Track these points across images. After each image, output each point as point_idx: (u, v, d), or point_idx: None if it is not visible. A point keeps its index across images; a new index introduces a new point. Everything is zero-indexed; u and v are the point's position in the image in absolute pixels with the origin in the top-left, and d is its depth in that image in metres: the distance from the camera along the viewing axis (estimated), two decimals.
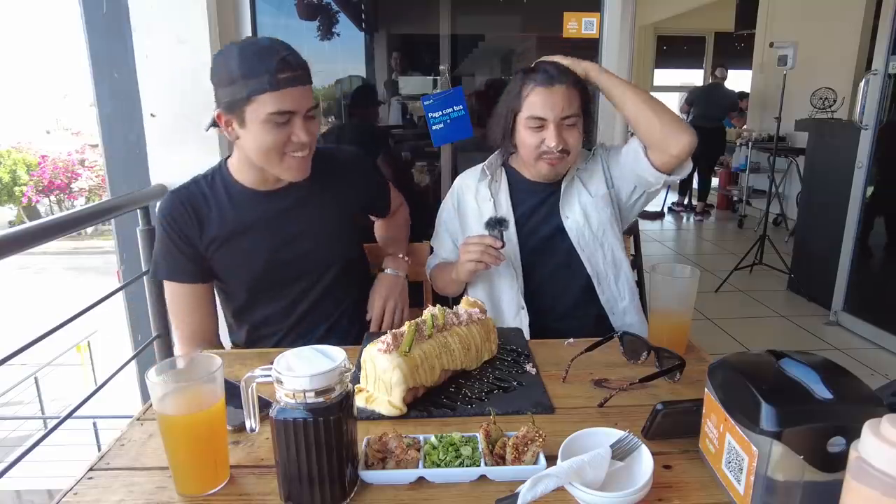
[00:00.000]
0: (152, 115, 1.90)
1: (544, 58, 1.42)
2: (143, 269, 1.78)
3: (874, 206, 3.47)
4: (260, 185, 1.32)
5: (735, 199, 6.99)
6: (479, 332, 1.08)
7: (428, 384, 0.97)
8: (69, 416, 1.42)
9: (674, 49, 9.60)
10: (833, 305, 3.66)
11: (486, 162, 1.52)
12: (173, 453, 0.77)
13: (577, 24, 2.17)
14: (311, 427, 0.70)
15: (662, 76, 9.55)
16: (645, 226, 6.42)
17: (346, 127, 2.58)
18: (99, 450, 0.89)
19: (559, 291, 1.50)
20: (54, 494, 0.77)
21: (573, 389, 1.02)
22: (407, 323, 0.99)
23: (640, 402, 0.96)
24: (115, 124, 2.03)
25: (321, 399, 0.70)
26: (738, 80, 7.26)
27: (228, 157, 1.34)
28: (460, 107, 1.81)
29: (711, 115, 6.51)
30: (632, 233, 1.80)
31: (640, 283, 1.77)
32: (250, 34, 2.09)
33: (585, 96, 1.39)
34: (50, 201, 11.46)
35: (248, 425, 0.78)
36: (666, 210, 7.24)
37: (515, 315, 1.47)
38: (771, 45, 4.45)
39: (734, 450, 0.71)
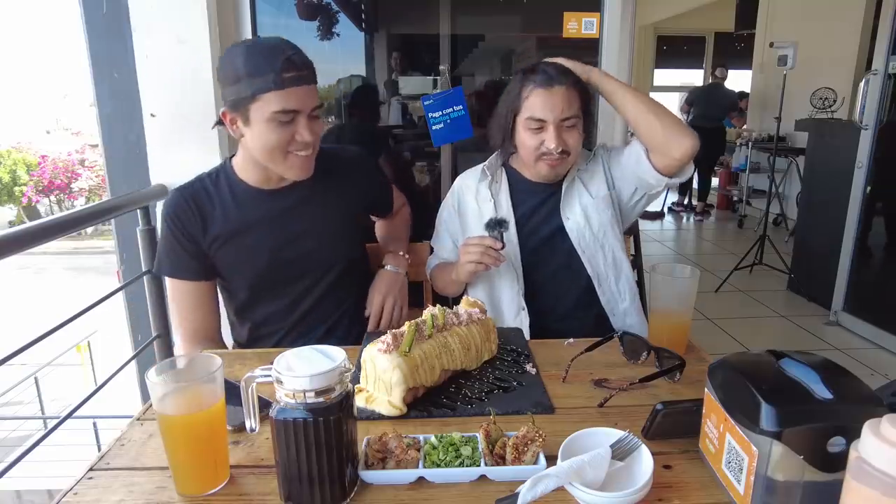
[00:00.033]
0: (152, 115, 1.90)
1: (546, 59, 1.42)
2: (144, 269, 1.78)
3: (874, 206, 3.47)
4: (264, 183, 1.33)
5: (735, 199, 6.99)
6: (479, 332, 1.08)
7: (428, 384, 0.97)
8: (69, 416, 1.42)
9: (674, 49, 9.60)
10: (833, 305, 3.66)
11: (486, 162, 1.52)
12: (173, 453, 0.77)
13: (577, 24, 2.17)
14: (311, 427, 0.70)
15: (662, 76, 9.55)
16: (645, 226, 6.42)
17: (345, 127, 2.57)
18: (99, 450, 0.89)
19: (559, 292, 1.50)
20: (54, 494, 0.77)
21: (573, 389, 1.02)
22: (407, 323, 0.99)
23: (640, 402, 0.96)
24: (115, 124, 2.03)
25: (321, 399, 0.70)
26: (738, 80, 7.26)
27: (233, 155, 1.35)
28: (460, 107, 1.81)
29: (711, 115, 6.51)
30: (632, 233, 1.80)
31: (640, 283, 1.77)
32: (250, 34, 2.09)
33: (585, 97, 1.39)
34: (50, 201, 11.46)
35: (248, 425, 0.78)
36: (666, 210, 7.24)
37: (516, 316, 1.47)
38: (771, 45, 4.45)
39: (734, 450, 0.71)
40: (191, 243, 1.29)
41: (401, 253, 1.52)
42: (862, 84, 3.36)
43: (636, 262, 1.82)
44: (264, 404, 0.87)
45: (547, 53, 2.38)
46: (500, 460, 0.79)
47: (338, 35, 2.44)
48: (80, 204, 11.02)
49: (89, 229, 8.37)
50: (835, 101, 4.85)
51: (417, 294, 1.64)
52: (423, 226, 1.71)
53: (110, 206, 1.74)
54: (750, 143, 5.94)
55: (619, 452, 0.77)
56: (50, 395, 5.93)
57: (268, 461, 0.82)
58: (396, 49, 2.54)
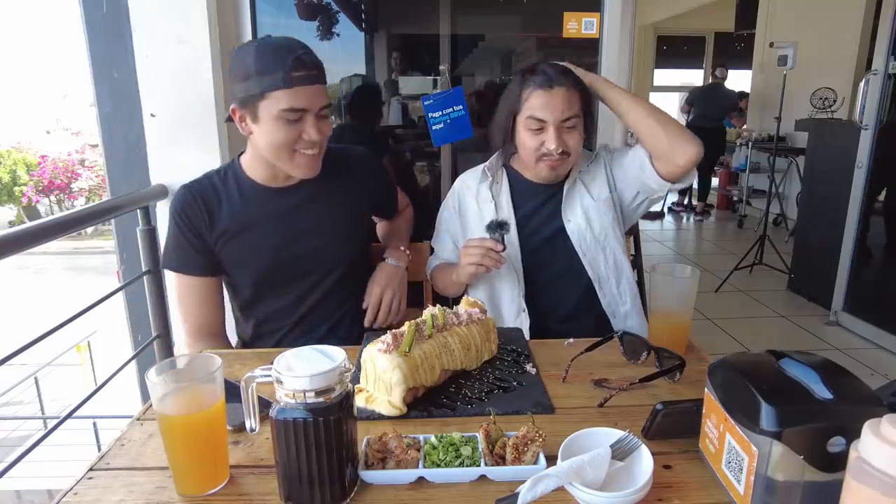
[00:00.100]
0: (152, 115, 1.90)
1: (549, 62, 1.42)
2: (144, 269, 1.78)
3: (874, 205, 3.47)
4: (271, 181, 1.34)
5: (735, 199, 6.99)
6: (479, 332, 1.08)
7: (428, 384, 0.97)
8: (69, 416, 1.42)
9: (674, 49, 9.59)
10: (833, 305, 3.66)
11: (486, 163, 1.52)
12: (173, 453, 0.77)
13: (577, 24, 2.17)
14: (311, 427, 0.70)
15: (662, 76, 9.55)
16: (645, 226, 6.42)
17: (345, 127, 2.57)
18: (99, 450, 0.89)
19: (560, 294, 1.49)
20: (54, 494, 0.77)
21: (573, 389, 1.02)
22: (407, 323, 0.99)
23: (640, 402, 0.96)
24: (115, 124, 2.03)
25: (321, 399, 0.70)
26: (738, 80, 7.26)
27: (242, 153, 1.36)
28: (460, 107, 1.81)
29: (711, 115, 6.52)
30: (632, 233, 1.80)
31: (640, 284, 1.77)
32: (250, 34, 2.09)
33: (586, 97, 1.38)
34: (50, 201, 11.46)
35: (248, 425, 0.78)
36: (666, 210, 7.24)
37: (516, 317, 1.47)
38: (771, 45, 4.44)
39: (734, 450, 0.71)
40: (197, 239, 1.30)
41: (401, 248, 1.52)
42: (862, 84, 3.36)
43: (636, 263, 1.81)
44: (264, 404, 0.87)
45: (547, 53, 2.39)
46: (500, 460, 0.79)
47: (338, 35, 2.44)
48: (80, 204, 11.02)
49: (89, 229, 8.37)
50: (835, 101, 4.85)
51: (417, 294, 1.64)
52: (423, 226, 1.71)
53: (110, 206, 1.74)
54: (750, 143, 5.94)
55: (619, 452, 0.77)
56: (50, 395, 5.93)
57: (268, 461, 0.82)
58: (396, 49, 2.53)
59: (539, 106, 1.34)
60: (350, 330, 1.43)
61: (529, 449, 0.78)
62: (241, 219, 1.32)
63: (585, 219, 1.45)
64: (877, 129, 3.32)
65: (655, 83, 9.38)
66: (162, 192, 1.89)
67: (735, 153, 6.96)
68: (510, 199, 1.49)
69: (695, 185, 6.88)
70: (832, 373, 0.71)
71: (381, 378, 0.93)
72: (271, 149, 1.23)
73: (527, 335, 1.32)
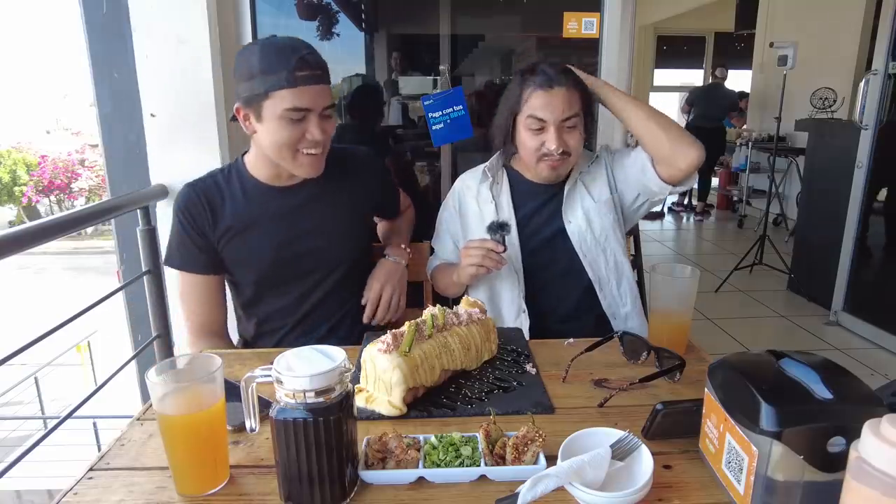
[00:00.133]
0: (152, 115, 1.90)
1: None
2: (144, 269, 1.78)
3: (874, 205, 3.47)
4: (274, 180, 1.34)
5: (735, 199, 6.99)
6: (479, 332, 1.08)
7: (428, 384, 0.97)
8: (69, 416, 1.42)
9: (674, 49, 9.59)
10: (833, 305, 3.66)
11: (487, 163, 1.52)
12: (173, 453, 0.77)
13: (577, 24, 2.17)
14: (311, 427, 0.70)
15: (662, 76, 9.55)
16: (645, 226, 6.42)
17: (346, 127, 2.57)
18: (99, 450, 0.89)
19: (560, 295, 1.49)
20: (54, 494, 0.77)
21: (573, 389, 1.02)
22: (407, 323, 0.99)
23: (640, 402, 0.96)
24: (115, 124, 2.03)
25: (321, 399, 0.70)
26: (738, 80, 7.26)
27: (246, 152, 1.37)
28: (460, 107, 1.81)
29: (711, 115, 6.52)
30: (632, 233, 1.80)
31: (640, 283, 1.77)
32: (250, 34, 2.09)
33: (586, 97, 1.38)
34: (50, 201, 11.46)
35: (248, 425, 0.78)
36: (666, 210, 7.24)
37: (516, 317, 1.47)
38: (771, 45, 4.44)
39: (734, 450, 0.71)
40: (200, 237, 1.31)
41: (402, 246, 1.52)
42: (862, 84, 3.36)
43: (636, 262, 1.81)
44: (264, 404, 0.87)
45: (547, 53, 2.38)
46: (500, 460, 0.79)
47: (338, 35, 2.44)
48: (80, 204, 11.02)
49: (89, 229, 8.37)
50: (835, 101, 4.85)
51: (417, 294, 1.64)
52: (422, 226, 1.71)
53: (110, 206, 1.74)
54: (750, 143, 5.94)
55: (619, 452, 0.77)
56: (50, 395, 5.93)
57: (268, 461, 0.82)
58: (396, 49, 2.53)
59: (539, 106, 1.34)
60: (351, 330, 1.43)
61: (529, 449, 0.78)
62: (243, 217, 1.32)
63: (586, 220, 1.45)
64: (877, 129, 3.32)
65: (655, 83, 9.38)
66: (162, 192, 1.89)
67: (735, 153, 6.96)
68: (510, 199, 1.49)
69: (695, 186, 6.86)
70: (832, 373, 0.71)
71: (381, 378, 0.93)
72: (275, 148, 1.24)
73: (527, 336, 1.32)
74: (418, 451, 0.80)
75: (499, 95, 1.46)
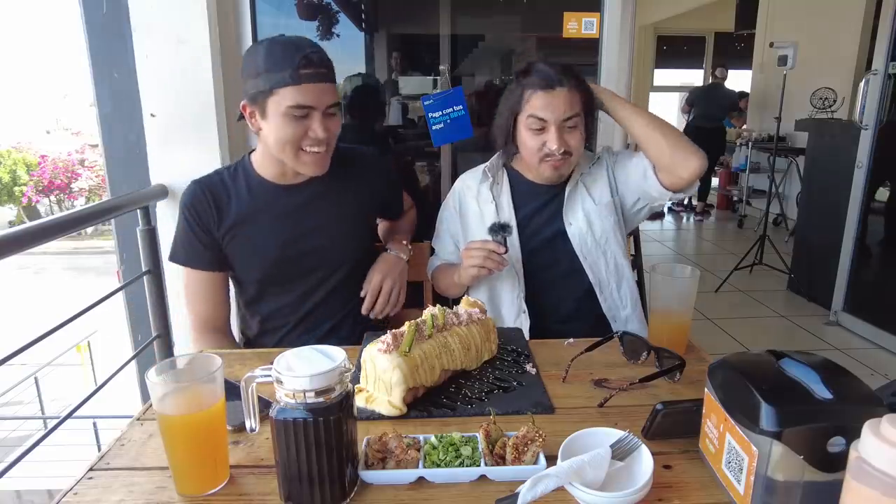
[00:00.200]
0: (152, 115, 1.90)
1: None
2: (144, 269, 1.78)
3: (874, 205, 3.47)
4: (280, 178, 1.35)
5: (735, 199, 7.00)
6: (479, 332, 1.08)
7: (428, 384, 0.97)
8: (69, 416, 1.42)
9: (674, 49, 9.59)
10: (833, 305, 3.66)
11: (487, 163, 1.52)
12: (173, 453, 0.77)
13: (577, 24, 2.17)
14: (311, 427, 0.70)
15: (662, 76, 9.54)
16: (645, 226, 6.41)
17: (346, 127, 2.57)
18: (99, 450, 0.89)
19: (560, 296, 1.49)
20: (54, 494, 0.77)
21: (573, 389, 1.02)
22: (407, 323, 0.99)
23: (640, 402, 0.96)
24: (115, 124, 2.02)
25: (321, 399, 0.70)
26: (738, 80, 7.26)
27: (253, 150, 1.38)
28: (460, 107, 1.81)
29: (711, 115, 6.52)
30: (632, 233, 1.80)
31: (640, 283, 1.77)
32: (250, 34, 2.09)
33: (587, 97, 1.38)
34: (50, 201, 11.46)
35: (248, 425, 0.78)
36: (666, 210, 7.24)
37: (516, 318, 1.47)
38: (771, 45, 4.45)
39: (734, 450, 0.71)
40: (205, 234, 1.32)
41: (404, 242, 1.53)
42: (862, 84, 3.37)
43: (636, 263, 1.81)
44: (264, 404, 0.87)
45: (547, 53, 2.38)
46: (500, 460, 0.79)
47: (338, 35, 2.44)
48: (80, 204, 11.02)
49: (89, 229, 8.37)
50: (835, 101, 4.85)
51: (417, 294, 1.64)
52: (422, 226, 1.71)
53: (110, 206, 1.74)
54: (750, 143, 5.94)
55: (619, 452, 0.77)
56: (50, 395, 5.93)
57: (268, 461, 0.82)
58: (396, 49, 2.53)
59: (540, 106, 1.34)
60: (352, 329, 1.43)
61: (529, 449, 0.78)
62: (248, 215, 1.33)
63: (587, 222, 1.45)
64: (877, 129, 3.32)
65: (655, 83, 9.38)
66: (162, 192, 1.89)
67: (735, 153, 6.96)
68: (511, 199, 1.49)
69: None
70: (832, 373, 0.71)
71: (381, 378, 0.93)
72: (278, 145, 1.25)
73: (526, 336, 1.32)
74: (418, 451, 0.80)
75: (499, 95, 1.46)
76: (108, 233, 6.06)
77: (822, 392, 0.67)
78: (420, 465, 0.78)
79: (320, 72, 1.21)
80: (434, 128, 1.82)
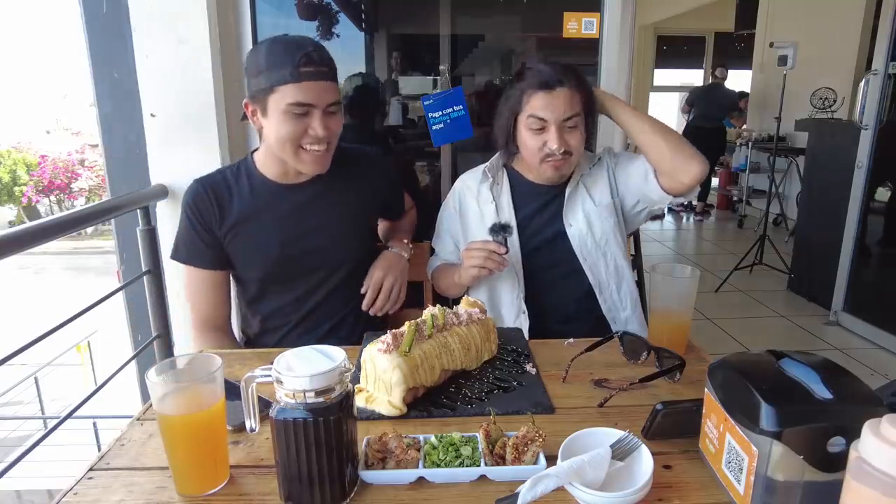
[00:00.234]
0: (152, 115, 1.90)
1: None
2: (144, 269, 1.78)
3: (874, 205, 3.47)
4: (282, 177, 1.35)
5: (735, 199, 6.99)
6: (479, 332, 1.08)
7: (428, 384, 0.97)
8: (69, 416, 1.42)
9: (674, 49, 9.59)
10: (833, 305, 3.66)
11: (487, 164, 1.52)
12: (173, 453, 0.77)
13: (577, 24, 2.17)
14: (311, 427, 0.70)
15: (662, 76, 9.54)
16: (645, 226, 6.36)
17: (346, 127, 2.57)
18: (99, 450, 0.89)
19: (560, 296, 1.49)
20: (54, 494, 0.77)
21: (573, 389, 1.02)
22: (407, 323, 0.99)
23: (640, 402, 0.96)
24: (115, 124, 2.02)
25: (321, 399, 0.70)
26: (738, 80, 7.26)
27: (256, 150, 1.39)
28: (460, 107, 1.81)
29: (711, 115, 6.52)
30: (632, 233, 1.80)
31: (640, 283, 1.77)
32: (250, 34, 2.09)
33: (588, 97, 1.38)
34: (50, 201, 11.45)
35: (248, 425, 0.78)
36: (666, 210, 7.24)
37: (515, 318, 1.47)
38: (771, 45, 4.45)
39: (734, 450, 0.71)
40: (207, 233, 1.33)
41: (405, 241, 1.53)
42: (862, 84, 3.37)
43: (636, 263, 1.81)
44: (264, 404, 0.87)
45: (547, 53, 2.38)
46: (500, 460, 0.79)
47: (337, 35, 2.44)
48: (80, 204, 11.02)
49: (89, 229, 8.37)
50: (835, 101, 4.85)
51: (417, 294, 1.64)
52: (422, 226, 1.71)
53: (110, 206, 1.74)
54: (750, 143, 5.94)
55: (619, 452, 0.77)
56: (50, 395, 5.93)
57: (268, 461, 0.82)
58: (396, 49, 2.53)
59: (540, 106, 1.34)
60: (352, 329, 1.43)
61: (529, 449, 0.78)
62: (250, 213, 1.34)
63: (587, 223, 1.45)
64: (877, 129, 3.32)
65: (655, 83, 9.37)
66: (162, 192, 1.89)
67: (735, 153, 6.96)
68: (511, 199, 1.49)
69: None
70: (832, 373, 0.71)
71: (381, 378, 0.93)
72: (279, 143, 1.25)
73: (526, 337, 1.32)
74: (418, 451, 0.80)
75: (499, 95, 1.46)
76: (108, 233, 6.07)
77: (822, 392, 0.67)
78: (420, 465, 0.78)
79: (321, 70, 1.21)
80: (434, 128, 1.82)
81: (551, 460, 0.77)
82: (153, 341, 1.83)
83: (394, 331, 0.97)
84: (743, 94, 7.10)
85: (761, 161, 6.22)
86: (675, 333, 1.14)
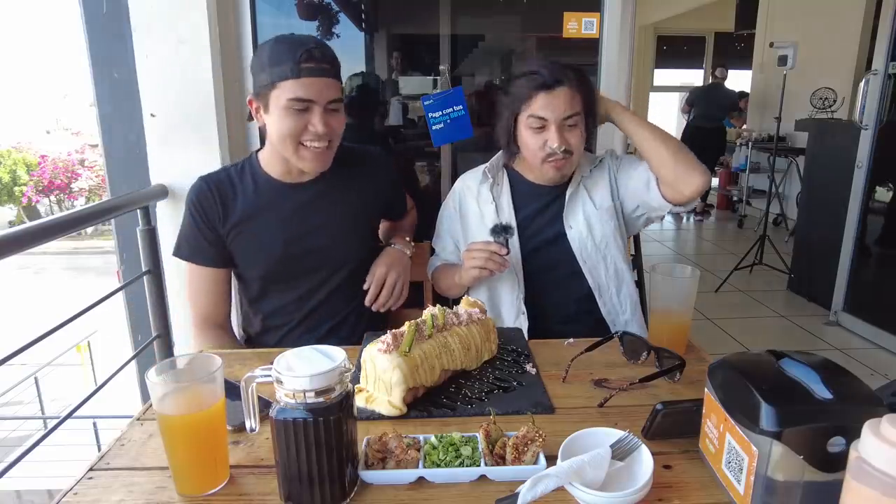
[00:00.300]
0: (152, 115, 1.90)
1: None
2: (144, 269, 1.78)
3: (874, 205, 3.47)
4: (285, 176, 1.36)
5: (735, 199, 6.99)
6: (479, 332, 1.08)
7: (428, 384, 0.97)
8: (69, 416, 1.42)
9: (674, 49, 9.59)
10: (833, 305, 3.66)
11: (487, 164, 1.52)
12: (173, 453, 0.77)
13: (577, 24, 2.17)
14: (311, 427, 0.70)
15: (662, 76, 9.54)
16: None
17: (345, 127, 2.57)
18: (99, 450, 0.89)
19: (560, 297, 1.49)
20: (54, 494, 0.77)
21: (573, 389, 1.02)
22: (407, 323, 0.99)
23: (640, 402, 0.96)
24: (115, 124, 2.02)
25: (321, 399, 0.70)
26: (738, 80, 7.26)
27: (260, 149, 1.39)
28: (460, 107, 1.81)
29: (711, 115, 6.51)
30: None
31: (640, 283, 1.77)
32: (250, 34, 2.09)
33: (588, 97, 1.38)
34: (50, 201, 11.46)
35: (248, 425, 0.78)
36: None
37: (515, 319, 1.47)
38: (771, 45, 4.45)
39: (734, 450, 0.71)
40: (210, 230, 1.33)
41: (407, 238, 1.53)
42: (862, 84, 3.36)
43: (636, 263, 1.81)
44: (264, 404, 0.87)
45: (547, 53, 2.38)
46: (500, 460, 0.79)
47: (338, 35, 2.44)
48: (80, 204, 11.02)
49: (89, 229, 8.37)
50: (835, 101, 4.86)
51: (417, 294, 1.64)
52: (422, 226, 1.71)
53: (110, 206, 1.74)
54: (750, 143, 5.93)
55: (619, 452, 0.77)
56: (50, 395, 5.93)
57: (268, 461, 0.82)
58: (396, 49, 2.53)
59: (541, 106, 1.34)
60: (353, 329, 1.43)
61: (529, 449, 0.78)
62: (253, 211, 1.34)
63: (587, 226, 1.45)
64: (877, 129, 3.32)
65: (655, 83, 9.38)
66: (162, 192, 1.89)
67: (735, 153, 6.95)
68: (511, 200, 1.49)
69: None
70: (832, 373, 0.71)
71: (381, 378, 0.93)
72: (279, 139, 1.26)
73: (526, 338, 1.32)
74: (418, 451, 0.80)
75: (499, 95, 1.46)
76: (108, 233, 6.07)
77: (822, 392, 0.67)
78: (420, 465, 0.78)
79: (322, 66, 1.22)
80: (434, 128, 1.82)
81: (551, 460, 0.77)
82: (153, 341, 1.83)
83: (394, 331, 0.97)
84: (743, 94, 7.10)
85: (761, 161, 6.22)
86: (675, 333, 1.14)
